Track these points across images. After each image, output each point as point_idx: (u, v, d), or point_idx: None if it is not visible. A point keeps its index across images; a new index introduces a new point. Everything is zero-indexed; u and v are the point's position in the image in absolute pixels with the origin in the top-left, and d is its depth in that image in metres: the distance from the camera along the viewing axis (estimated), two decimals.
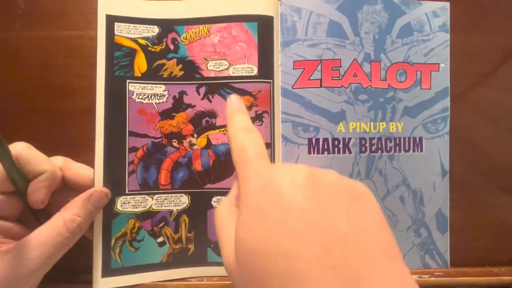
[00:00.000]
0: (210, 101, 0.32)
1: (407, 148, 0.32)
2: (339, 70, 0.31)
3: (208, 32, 0.32)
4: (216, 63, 0.32)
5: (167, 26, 0.32)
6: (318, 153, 0.31)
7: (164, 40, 0.32)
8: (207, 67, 0.32)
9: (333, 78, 0.31)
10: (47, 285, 0.29)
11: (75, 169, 0.29)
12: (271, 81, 0.33)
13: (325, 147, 0.31)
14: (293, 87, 0.32)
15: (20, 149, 0.27)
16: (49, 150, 0.28)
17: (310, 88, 0.31)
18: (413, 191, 0.32)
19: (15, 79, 0.32)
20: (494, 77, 0.34)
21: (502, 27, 0.34)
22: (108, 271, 0.30)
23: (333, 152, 0.31)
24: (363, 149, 0.31)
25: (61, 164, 0.29)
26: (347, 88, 0.32)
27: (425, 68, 0.32)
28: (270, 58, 0.33)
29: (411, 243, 0.32)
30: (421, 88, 0.32)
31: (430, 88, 0.32)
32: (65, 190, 0.30)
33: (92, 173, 0.30)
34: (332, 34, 0.31)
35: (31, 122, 0.32)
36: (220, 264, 0.31)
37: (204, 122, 0.32)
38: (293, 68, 0.31)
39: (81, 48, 0.32)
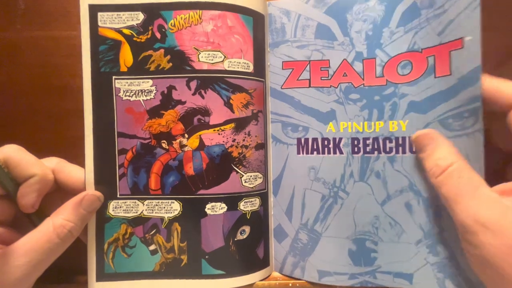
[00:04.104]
0: (203, 97, 0.29)
1: (414, 150, 0.28)
2: (327, 70, 0.30)
3: (200, 19, 0.28)
4: (209, 54, 0.28)
5: (153, 11, 0.29)
6: (307, 153, 0.30)
7: (150, 28, 0.28)
8: (198, 59, 0.28)
9: (322, 78, 0.30)
10: (44, 285, 0.29)
11: (68, 172, 0.28)
12: (264, 80, 0.30)
13: (315, 147, 0.30)
14: (282, 87, 0.31)
15: (9, 152, 0.26)
16: (48, 150, 0.28)
17: (299, 88, 0.30)
18: (424, 199, 0.28)
19: (15, 79, 0.32)
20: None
21: (502, 27, 0.31)
22: (102, 276, 0.29)
23: (323, 153, 0.30)
24: (356, 149, 0.29)
25: (53, 166, 0.28)
26: (336, 87, 0.30)
27: (441, 50, 0.27)
28: (263, 56, 0.30)
29: (422, 260, 0.28)
30: (435, 77, 0.27)
31: (450, 74, 0.26)
32: (60, 192, 0.29)
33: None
34: (320, 36, 0.30)
35: (31, 122, 0.33)
36: (215, 277, 0.29)
37: (196, 120, 0.29)
38: (282, 69, 0.31)
39: (81, 48, 0.31)
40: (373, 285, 0.29)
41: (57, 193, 0.29)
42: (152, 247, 0.30)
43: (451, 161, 0.24)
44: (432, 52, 0.27)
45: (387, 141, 0.29)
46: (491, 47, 0.29)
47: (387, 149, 0.29)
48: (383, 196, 0.29)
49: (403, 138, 0.28)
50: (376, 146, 0.29)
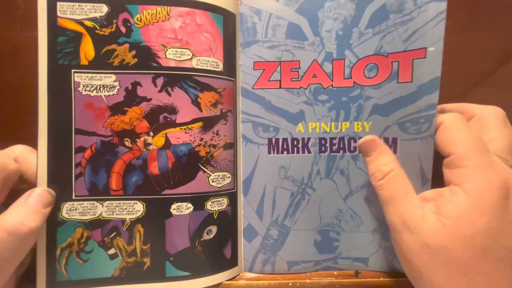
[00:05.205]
0: (170, 95, 0.28)
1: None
2: (298, 71, 0.30)
3: (168, 15, 0.28)
4: (177, 51, 0.28)
5: (118, 4, 0.28)
6: (277, 153, 0.31)
7: (114, 21, 0.27)
8: (165, 55, 0.28)
9: (292, 79, 0.30)
10: None
11: (28, 161, 0.27)
12: (234, 79, 0.30)
13: (285, 147, 0.31)
14: (253, 88, 0.31)
15: None
16: None
17: (269, 89, 0.31)
18: None
19: (15, 79, 0.32)
20: (494, 77, 0.32)
21: (502, 27, 0.32)
22: (53, 284, 0.27)
23: (292, 152, 0.31)
24: (323, 148, 0.31)
25: (17, 155, 0.26)
26: (306, 89, 0.30)
27: (405, 57, 0.28)
28: (234, 56, 0.30)
29: (377, 245, 0.31)
30: (398, 82, 0.28)
31: (412, 81, 0.28)
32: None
33: None
34: (291, 36, 0.30)
35: (30, 122, 0.31)
36: (180, 278, 0.28)
37: (161, 118, 0.28)
38: (253, 69, 0.31)
39: None
40: (334, 269, 0.31)
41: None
42: (112, 251, 0.28)
43: (391, 168, 0.26)
44: (397, 57, 0.28)
45: (352, 141, 0.30)
46: (491, 47, 0.32)
47: (352, 149, 0.30)
48: (346, 192, 0.31)
49: None
50: (342, 146, 0.30)
